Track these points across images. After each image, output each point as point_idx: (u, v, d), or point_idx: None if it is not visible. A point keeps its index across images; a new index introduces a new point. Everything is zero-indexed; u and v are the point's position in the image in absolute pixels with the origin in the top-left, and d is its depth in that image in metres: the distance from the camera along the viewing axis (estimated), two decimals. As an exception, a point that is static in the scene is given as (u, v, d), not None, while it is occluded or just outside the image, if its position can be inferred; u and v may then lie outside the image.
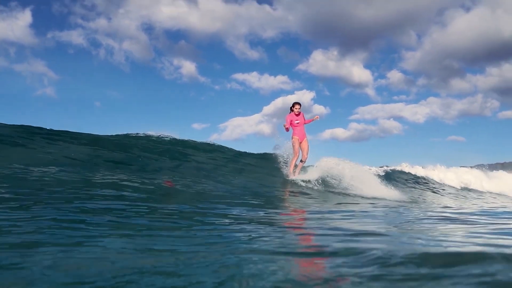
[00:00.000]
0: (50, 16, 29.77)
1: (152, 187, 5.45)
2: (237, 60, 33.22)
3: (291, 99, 27.52)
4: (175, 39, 33.58)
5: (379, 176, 10.74)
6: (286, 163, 9.41)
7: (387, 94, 34.33)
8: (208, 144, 11.09)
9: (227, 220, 3.46)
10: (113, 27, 30.32)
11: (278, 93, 33.50)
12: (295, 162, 9.03)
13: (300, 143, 9.02)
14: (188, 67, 31.77)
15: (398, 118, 33.49)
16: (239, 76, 32.81)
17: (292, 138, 9.09)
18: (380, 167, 13.83)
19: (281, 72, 36.45)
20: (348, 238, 2.60)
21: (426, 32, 34.19)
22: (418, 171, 15.08)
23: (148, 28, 32.00)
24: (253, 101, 34.18)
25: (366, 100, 35.74)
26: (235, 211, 4.22)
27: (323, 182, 8.70)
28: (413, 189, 12.19)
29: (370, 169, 10.75)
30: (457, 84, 33.84)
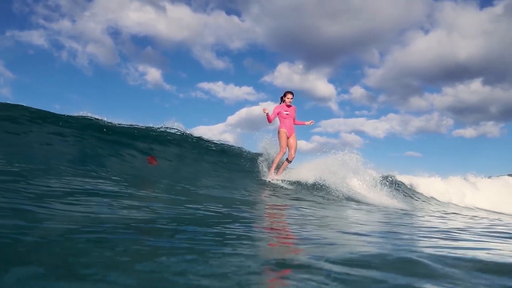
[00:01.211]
0: (10, 15, 28.65)
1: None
2: (203, 69, 33.63)
3: (256, 110, 27.45)
4: (141, 45, 33.63)
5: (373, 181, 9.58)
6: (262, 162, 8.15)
7: (350, 108, 36.53)
8: (185, 135, 9.69)
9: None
10: (77, 30, 29.52)
11: (242, 103, 34.18)
12: (280, 159, 7.69)
13: (288, 138, 7.67)
14: (154, 74, 31.81)
15: (360, 133, 35.97)
16: (205, 85, 33.34)
17: (278, 131, 7.71)
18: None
19: (246, 83, 37.50)
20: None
21: (388, 51, 36.84)
22: (410, 180, 14.11)
23: (114, 33, 31.54)
24: (218, 110, 34.92)
25: (329, 114, 37.74)
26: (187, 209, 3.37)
27: (315, 186, 7.47)
28: (409, 198, 11.14)
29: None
30: (416, 102, 36.94)
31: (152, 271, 1.37)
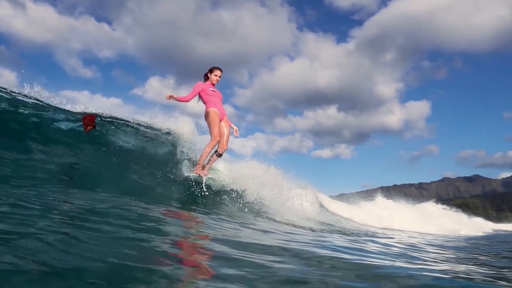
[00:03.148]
0: None
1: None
2: (68, 76, 30.18)
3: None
4: (-6, 43, 28.38)
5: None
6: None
7: (220, 126, 38.74)
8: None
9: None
10: None
11: (110, 116, 31.65)
12: (212, 149, 5.67)
13: (220, 121, 5.75)
14: (7, 76, 26.70)
15: (228, 151, 37.85)
16: (68, 93, 29.95)
17: (207, 113, 5.69)
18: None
19: (115, 94, 35.34)
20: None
21: (256, 73, 39.74)
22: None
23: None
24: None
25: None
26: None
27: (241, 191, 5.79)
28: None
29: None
30: (280, 123, 40.61)
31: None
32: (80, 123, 4.62)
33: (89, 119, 4.39)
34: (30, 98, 5.85)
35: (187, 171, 5.62)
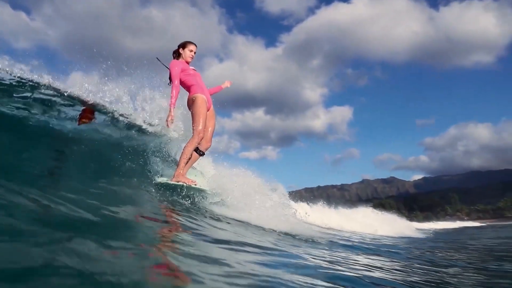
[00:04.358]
0: None
1: None
2: None
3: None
4: None
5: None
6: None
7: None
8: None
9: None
10: None
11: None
12: (195, 145, 4.32)
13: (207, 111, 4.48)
14: None
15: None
16: None
17: (193, 100, 4.40)
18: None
19: None
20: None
21: None
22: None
23: None
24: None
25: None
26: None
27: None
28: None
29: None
30: None
31: None
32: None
33: (88, 112, 3.90)
34: None
35: (164, 177, 4.32)
